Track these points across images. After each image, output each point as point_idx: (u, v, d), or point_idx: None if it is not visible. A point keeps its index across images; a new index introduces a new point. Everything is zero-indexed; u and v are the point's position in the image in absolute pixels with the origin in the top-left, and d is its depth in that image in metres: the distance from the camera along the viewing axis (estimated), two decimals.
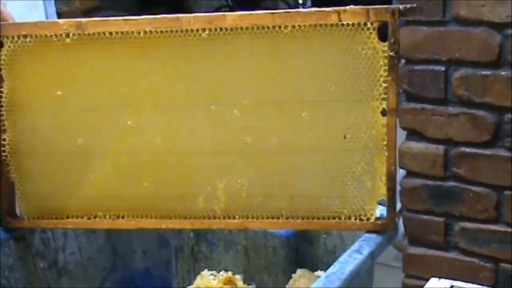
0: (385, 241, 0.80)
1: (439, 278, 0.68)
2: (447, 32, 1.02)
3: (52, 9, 1.78)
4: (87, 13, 1.81)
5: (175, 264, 1.00)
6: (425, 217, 1.11)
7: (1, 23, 0.81)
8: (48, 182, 0.84)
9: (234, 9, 2.81)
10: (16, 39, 0.81)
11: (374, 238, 0.79)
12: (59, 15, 1.80)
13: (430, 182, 1.09)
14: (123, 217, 0.84)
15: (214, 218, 0.82)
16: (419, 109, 1.07)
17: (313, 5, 3.28)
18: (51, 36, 0.81)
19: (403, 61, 1.03)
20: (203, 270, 0.97)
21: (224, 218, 0.82)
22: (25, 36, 0.81)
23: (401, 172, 0.96)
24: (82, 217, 0.85)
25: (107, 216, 0.84)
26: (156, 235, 1.00)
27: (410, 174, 1.11)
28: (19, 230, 0.87)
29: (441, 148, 1.07)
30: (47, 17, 1.74)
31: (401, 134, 1.04)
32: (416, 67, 1.06)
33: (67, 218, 0.85)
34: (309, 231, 0.87)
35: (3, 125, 0.84)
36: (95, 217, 0.84)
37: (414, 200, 1.11)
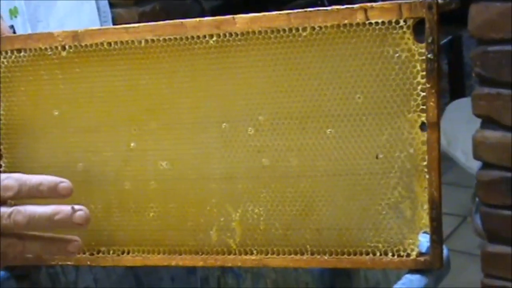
0: (431, 282, 0.66)
1: None
2: None
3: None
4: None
5: None
6: (505, 212, 0.98)
7: None
8: None
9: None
10: (10, 54, 0.73)
11: (417, 281, 0.66)
12: (112, 5, 1.71)
13: (509, 175, 0.96)
14: (128, 253, 0.74)
15: (229, 253, 0.71)
16: (494, 95, 0.95)
17: None
18: (46, 49, 0.72)
19: (474, 42, 0.92)
20: None
21: (240, 254, 0.71)
22: (19, 51, 0.73)
23: (477, 164, 0.86)
24: (84, 253, 0.75)
25: (111, 252, 0.74)
26: None
27: (486, 166, 0.99)
28: (21, 267, 0.78)
29: None
30: (98, 9, 1.66)
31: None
32: (490, 48, 0.94)
33: None
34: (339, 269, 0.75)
35: (0, 150, 0.76)
36: (98, 253, 0.75)
37: (492, 194, 1.00)
